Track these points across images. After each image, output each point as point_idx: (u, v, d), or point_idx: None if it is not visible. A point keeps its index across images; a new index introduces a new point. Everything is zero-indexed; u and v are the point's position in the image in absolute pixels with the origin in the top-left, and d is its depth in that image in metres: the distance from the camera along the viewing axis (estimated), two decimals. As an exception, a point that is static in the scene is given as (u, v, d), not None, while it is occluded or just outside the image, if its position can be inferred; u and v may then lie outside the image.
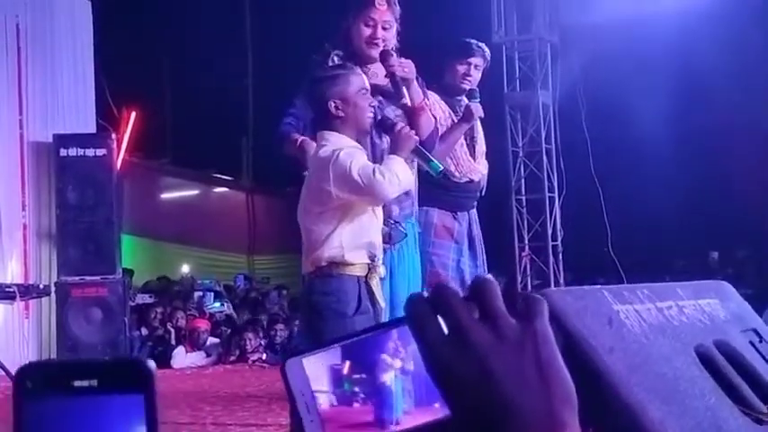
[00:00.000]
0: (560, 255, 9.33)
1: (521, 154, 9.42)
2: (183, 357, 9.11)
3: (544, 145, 9.31)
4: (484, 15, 9.20)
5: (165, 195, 15.92)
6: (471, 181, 4.40)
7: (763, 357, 1.38)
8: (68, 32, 9.68)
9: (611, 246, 8.81)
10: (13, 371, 6.75)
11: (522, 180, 9.44)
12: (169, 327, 9.77)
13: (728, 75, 10.07)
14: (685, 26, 9.10)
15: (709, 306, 1.40)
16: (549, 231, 9.30)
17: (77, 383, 0.59)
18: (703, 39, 9.37)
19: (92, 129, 9.77)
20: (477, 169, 4.43)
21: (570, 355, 0.98)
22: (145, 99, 10.89)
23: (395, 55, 3.62)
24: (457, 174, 4.32)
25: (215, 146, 14.93)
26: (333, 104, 3.14)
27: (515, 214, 9.39)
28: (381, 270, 3.18)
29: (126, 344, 8.90)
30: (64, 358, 8.56)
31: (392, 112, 3.63)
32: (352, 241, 3.09)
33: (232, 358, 9.28)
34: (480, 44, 4.50)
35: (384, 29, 3.66)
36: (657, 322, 1.19)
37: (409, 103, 3.59)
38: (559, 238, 9.32)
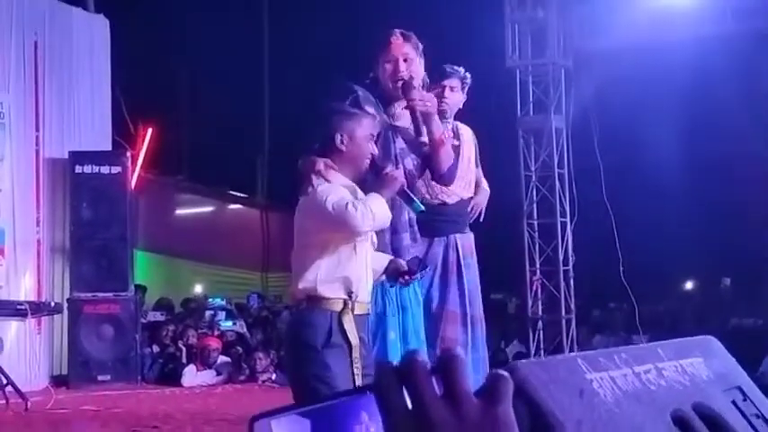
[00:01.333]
0: (571, 280, 9.31)
1: (533, 178, 9.42)
2: (193, 376, 9.12)
3: (557, 169, 9.30)
4: (498, 40, 9.23)
5: (180, 212, 15.99)
6: (444, 204, 4.22)
7: (745, 417, 1.37)
8: (86, 50, 9.77)
9: (623, 271, 8.80)
10: (23, 387, 6.80)
11: (535, 204, 9.43)
12: (180, 345, 9.79)
13: (741, 101, 10.05)
14: (699, 52, 9.11)
15: (692, 366, 1.39)
16: (561, 256, 9.28)
17: None
18: (716, 65, 9.37)
19: (108, 146, 9.84)
20: (453, 191, 4.22)
21: (537, 430, 0.99)
22: (161, 116, 10.95)
23: (417, 88, 3.68)
24: (427, 196, 4.12)
25: (230, 163, 14.99)
26: (339, 137, 3.24)
27: (527, 238, 9.38)
28: (362, 306, 3.22)
29: (137, 361, 8.94)
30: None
31: (411, 161, 3.70)
32: (327, 276, 3.16)
33: (242, 377, 9.29)
34: (455, 67, 4.46)
35: (405, 61, 3.71)
36: (633, 388, 1.19)
37: (427, 141, 3.66)
38: (571, 263, 9.30)
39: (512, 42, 9.28)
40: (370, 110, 3.44)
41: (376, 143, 3.36)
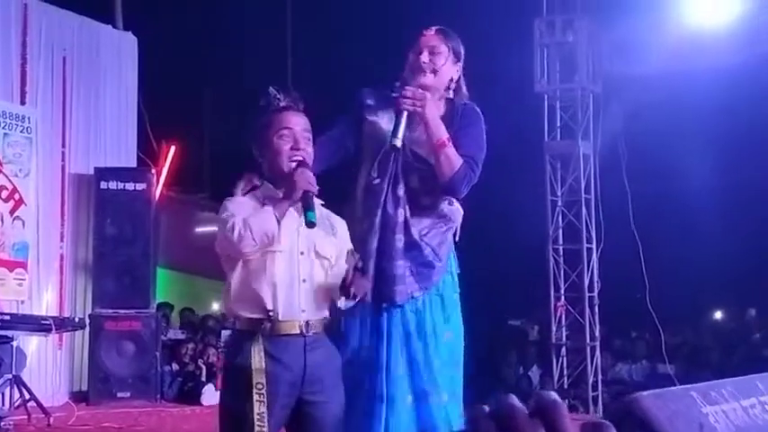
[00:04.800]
0: (596, 306, 9.21)
1: (559, 203, 9.35)
2: (212, 394, 9.04)
3: (583, 195, 9.23)
4: (527, 64, 9.20)
5: (201, 230, 15.98)
6: None
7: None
8: (114, 66, 9.80)
9: (649, 299, 8.70)
10: (44, 403, 6.77)
11: (560, 229, 9.36)
12: (200, 363, 9.74)
13: (774, 130, 9.95)
14: (732, 79, 9.02)
15: (788, 399, 1.35)
16: (586, 282, 9.19)
17: None
18: (751, 92, 9.29)
19: (132, 162, 9.86)
20: None
21: (665, 465, 0.94)
22: (184, 134, 10.95)
23: (418, 84, 3.33)
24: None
25: (252, 182, 14.94)
26: (255, 152, 3.04)
27: (552, 263, 9.30)
28: (291, 325, 2.91)
29: (157, 378, 8.90)
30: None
31: (417, 176, 3.38)
32: (238, 294, 2.93)
33: (261, 397, 9.23)
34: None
35: (431, 53, 3.42)
36: (744, 423, 1.16)
37: (398, 144, 3.26)
38: (596, 290, 9.21)
39: (540, 66, 9.24)
40: (284, 102, 3.07)
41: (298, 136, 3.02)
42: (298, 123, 3.01)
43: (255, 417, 2.77)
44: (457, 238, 3.95)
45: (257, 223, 2.82)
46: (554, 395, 0.70)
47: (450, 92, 3.51)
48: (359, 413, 3.19)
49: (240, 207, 2.92)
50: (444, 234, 3.49)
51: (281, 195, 2.94)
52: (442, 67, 3.43)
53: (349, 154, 3.51)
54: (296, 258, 2.94)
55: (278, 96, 3.09)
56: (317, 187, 2.96)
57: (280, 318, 2.89)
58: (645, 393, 0.95)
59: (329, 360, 3.01)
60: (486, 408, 0.69)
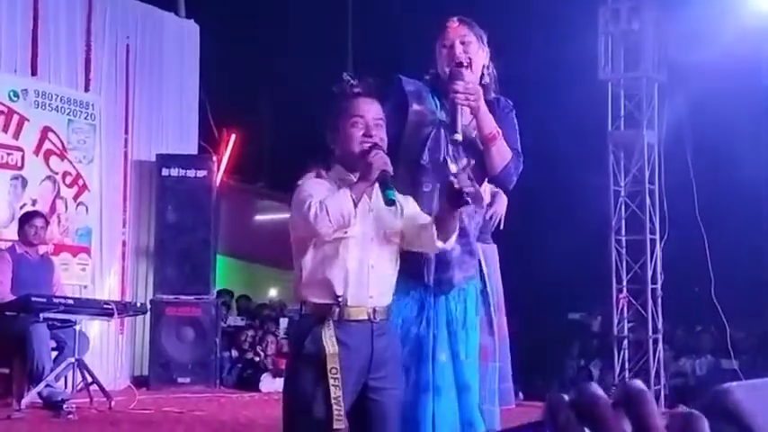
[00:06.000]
0: (659, 299, 9.03)
1: (622, 193, 9.17)
2: (271, 381, 9.11)
3: (647, 185, 9.04)
4: (590, 51, 9.04)
5: (259, 218, 16.08)
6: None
7: None
8: (176, 54, 9.88)
9: (714, 292, 8.52)
10: (106, 387, 6.86)
11: (623, 220, 9.18)
12: (259, 350, 9.80)
13: None
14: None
15: None
16: (649, 274, 9.01)
17: None
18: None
19: (193, 150, 9.95)
20: None
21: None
22: (244, 123, 10.99)
23: (464, 78, 3.28)
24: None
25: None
26: (328, 137, 3.03)
27: (614, 255, 9.14)
28: (360, 311, 2.88)
29: (216, 365, 8.97)
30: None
31: (467, 161, 3.37)
32: (309, 278, 2.89)
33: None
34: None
35: (462, 44, 3.39)
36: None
37: (459, 139, 3.24)
38: (659, 282, 9.02)
39: (604, 54, 9.06)
40: (357, 89, 3.03)
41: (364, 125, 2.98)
42: (369, 111, 2.99)
43: (332, 401, 2.75)
44: (501, 227, 3.98)
45: (334, 204, 2.80)
46: (640, 383, 0.65)
47: (478, 78, 3.46)
48: (405, 402, 3.17)
49: (318, 188, 2.90)
50: (478, 226, 3.46)
51: (354, 179, 2.93)
52: (474, 57, 3.42)
53: (390, 137, 3.49)
54: (367, 244, 2.95)
55: (352, 83, 3.06)
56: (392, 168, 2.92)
57: (349, 303, 2.88)
58: (735, 384, 0.89)
59: (394, 347, 3.00)
60: (566, 397, 0.64)
